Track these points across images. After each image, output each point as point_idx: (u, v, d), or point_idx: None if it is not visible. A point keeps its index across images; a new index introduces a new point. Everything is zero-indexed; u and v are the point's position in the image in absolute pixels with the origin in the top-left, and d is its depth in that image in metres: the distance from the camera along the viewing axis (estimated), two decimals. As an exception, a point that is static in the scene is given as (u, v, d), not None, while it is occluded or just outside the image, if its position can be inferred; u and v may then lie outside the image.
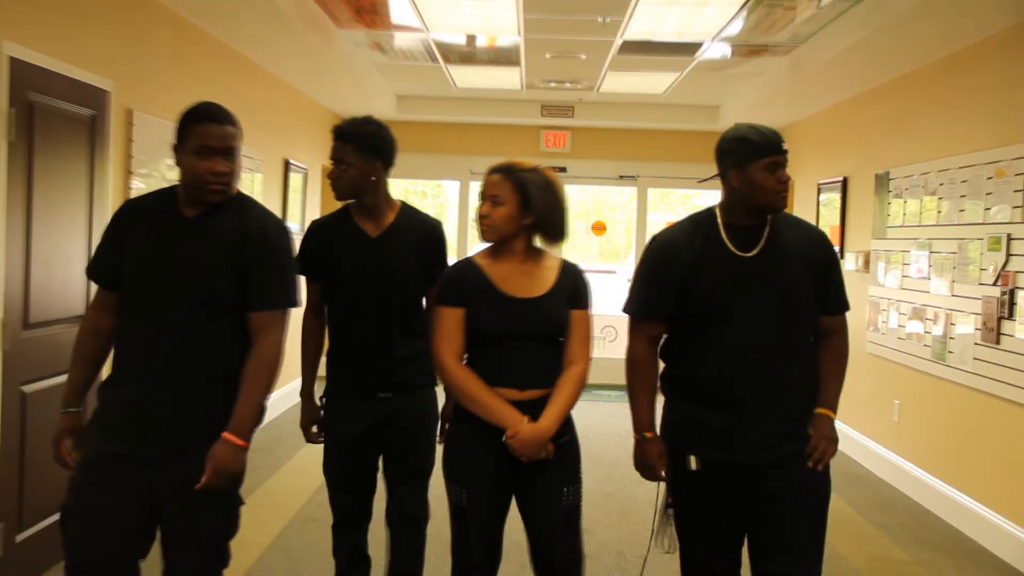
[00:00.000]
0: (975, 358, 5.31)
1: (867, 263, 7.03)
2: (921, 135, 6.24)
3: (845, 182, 7.66)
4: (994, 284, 5.09)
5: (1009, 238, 4.98)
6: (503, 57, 7.42)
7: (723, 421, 2.76)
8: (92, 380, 2.79)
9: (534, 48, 6.99)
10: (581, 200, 11.90)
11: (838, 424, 2.89)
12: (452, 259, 3.25)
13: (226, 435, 2.58)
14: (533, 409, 2.82)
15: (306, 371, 3.39)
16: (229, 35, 6.16)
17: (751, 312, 2.73)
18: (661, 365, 2.95)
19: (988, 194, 5.23)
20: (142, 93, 5.00)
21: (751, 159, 2.73)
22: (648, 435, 2.89)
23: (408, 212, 3.35)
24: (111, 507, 2.57)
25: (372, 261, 3.22)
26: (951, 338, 5.60)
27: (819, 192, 8.24)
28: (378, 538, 3.51)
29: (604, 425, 8.02)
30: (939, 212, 5.85)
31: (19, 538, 3.98)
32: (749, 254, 2.77)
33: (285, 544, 4.63)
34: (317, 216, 8.87)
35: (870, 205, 7.04)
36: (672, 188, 11.11)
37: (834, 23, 5.74)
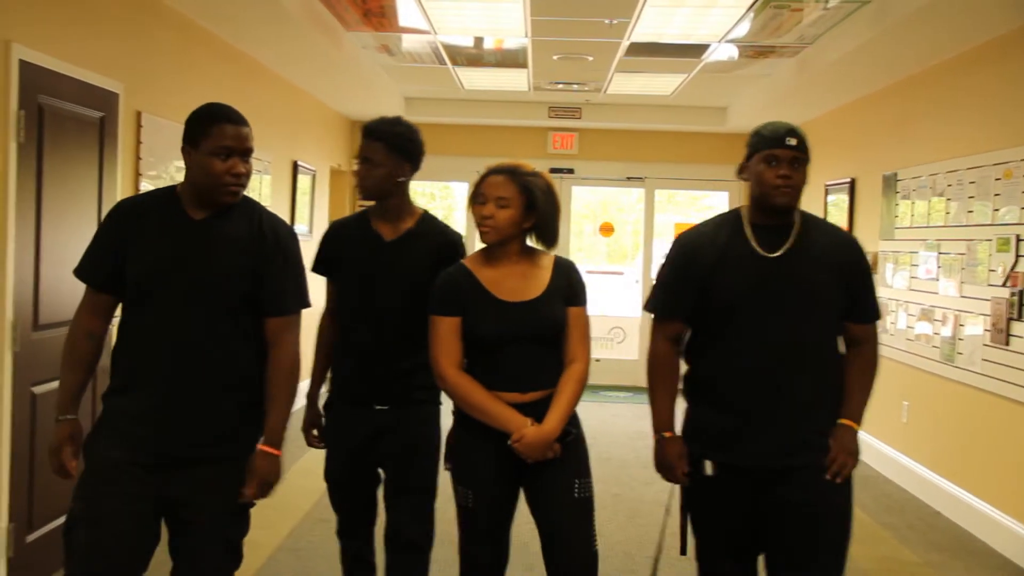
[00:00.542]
0: (984, 359, 5.29)
1: (875, 264, 7.02)
2: (928, 136, 6.22)
3: (853, 183, 7.64)
4: (1003, 285, 5.08)
5: (1018, 239, 4.96)
6: (510, 59, 7.43)
7: (735, 423, 2.73)
8: (86, 385, 2.70)
9: (541, 50, 6.99)
10: (588, 202, 11.90)
11: None
12: None
13: (263, 447, 2.65)
14: (536, 411, 2.81)
15: (315, 374, 3.34)
16: (237, 37, 6.18)
17: (768, 313, 2.71)
18: (684, 367, 2.92)
19: (996, 195, 5.22)
20: (151, 95, 5.02)
21: (755, 151, 2.74)
22: (667, 435, 2.86)
23: (428, 220, 3.24)
24: (123, 515, 2.53)
25: (382, 265, 3.13)
26: (960, 339, 5.58)
27: (826, 193, 8.22)
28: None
29: (612, 426, 8.02)
30: (947, 213, 5.83)
31: (29, 538, 4.00)
32: (773, 254, 2.73)
33: (295, 545, 4.64)
34: (325, 218, 8.95)
35: (878, 206, 7.03)
36: (680, 189, 11.10)
37: (841, 24, 5.74)
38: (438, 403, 3.17)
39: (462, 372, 2.88)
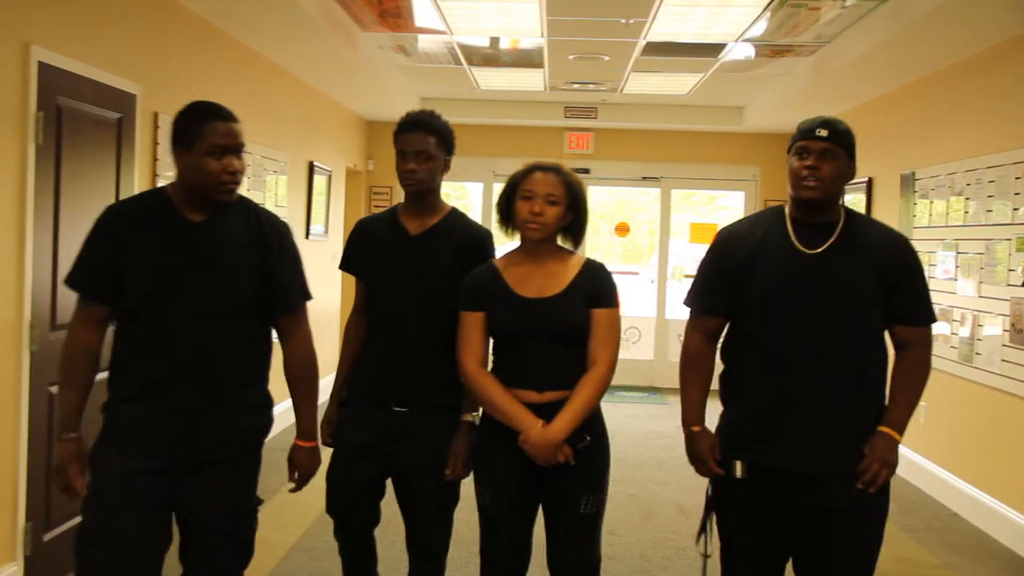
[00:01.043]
0: (1003, 360, 5.25)
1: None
2: (947, 135, 6.19)
3: (870, 183, 7.60)
4: (1022, 285, 5.04)
5: (1037, 239, 4.93)
6: (526, 59, 7.43)
7: (766, 423, 2.66)
8: (86, 400, 2.62)
9: (557, 50, 6.99)
10: (604, 201, 11.89)
11: None
12: None
13: (300, 442, 2.77)
14: (552, 411, 2.77)
15: (339, 372, 3.25)
16: (254, 38, 6.20)
17: (802, 311, 2.62)
18: (721, 367, 2.87)
19: (1016, 194, 5.18)
20: (168, 96, 5.04)
21: (792, 145, 2.70)
22: (695, 429, 2.82)
23: (456, 216, 3.17)
24: (139, 526, 2.52)
25: (406, 260, 3.06)
26: (978, 339, 5.55)
27: (844, 193, 8.16)
28: (392, 560, 3.48)
29: (627, 426, 8.01)
30: (966, 213, 5.80)
31: (47, 537, 4.02)
32: (813, 251, 2.65)
33: (309, 544, 4.65)
34: (341, 218, 8.97)
35: (895, 206, 6.99)
36: (696, 189, 11.08)
37: (858, 23, 5.71)
38: (459, 410, 3.06)
39: (482, 368, 2.88)
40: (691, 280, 2.94)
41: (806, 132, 2.65)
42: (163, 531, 2.60)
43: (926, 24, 5.18)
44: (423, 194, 3.10)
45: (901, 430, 2.67)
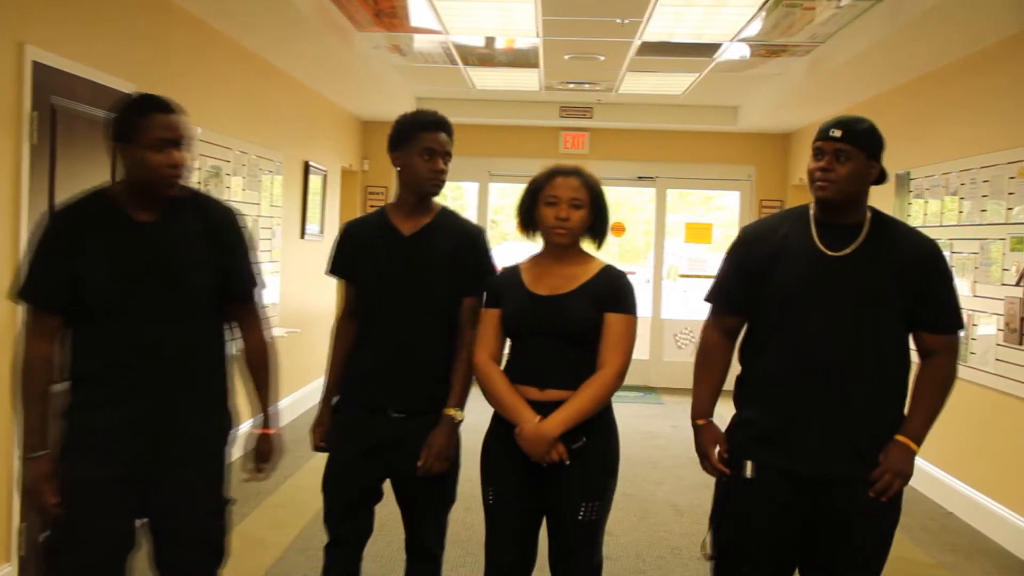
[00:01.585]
0: (997, 359, 5.27)
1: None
2: (941, 135, 6.20)
3: (865, 182, 7.60)
4: (1017, 284, 5.06)
5: (1031, 238, 4.94)
6: (522, 59, 7.43)
7: (779, 424, 2.62)
8: (49, 414, 2.52)
9: (553, 50, 6.99)
10: (600, 201, 11.86)
11: None
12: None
13: (263, 431, 2.79)
14: (552, 411, 2.77)
15: (330, 375, 3.20)
16: (249, 38, 6.19)
17: (822, 313, 2.58)
18: (738, 369, 2.85)
19: (1010, 194, 5.19)
20: (164, 96, 5.03)
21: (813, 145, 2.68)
22: (701, 422, 2.82)
23: (447, 214, 3.15)
24: (110, 533, 2.50)
25: (400, 261, 3.02)
26: (973, 339, 5.56)
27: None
28: (387, 559, 3.49)
29: (623, 426, 7.93)
30: (960, 212, 5.81)
31: (41, 538, 4.00)
32: (837, 253, 2.60)
33: (304, 545, 4.64)
34: (336, 218, 8.97)
35: (890, 205, 6.99)
36: (691, 189, 11.07)
37: (853, 23, 5.72)
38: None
39: (492, 362, 2.91)
40: (712, 279, 2.93)
41: (821, 132, 2.62)
42: (128, 538, 2.56)
43: (921, 24, 5.19)
44: (432, 194, 3.12)
45: (919, 440, 2.62)
